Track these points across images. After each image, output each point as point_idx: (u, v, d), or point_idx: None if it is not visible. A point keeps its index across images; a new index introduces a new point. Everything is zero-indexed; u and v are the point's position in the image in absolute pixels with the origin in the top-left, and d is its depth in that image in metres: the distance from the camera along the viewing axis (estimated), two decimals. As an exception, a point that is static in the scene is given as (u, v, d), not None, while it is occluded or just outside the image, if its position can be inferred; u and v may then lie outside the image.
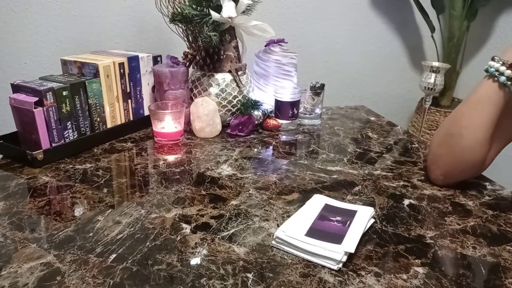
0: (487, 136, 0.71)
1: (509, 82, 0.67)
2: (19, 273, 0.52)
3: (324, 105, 1.17)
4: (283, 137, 1.02)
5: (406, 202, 0.71)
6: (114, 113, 0.98)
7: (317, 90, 1.09)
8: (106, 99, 0.95)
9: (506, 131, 0.74)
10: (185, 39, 1.07)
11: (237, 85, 1.03)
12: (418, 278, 0.52)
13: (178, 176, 0.79)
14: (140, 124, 1.04)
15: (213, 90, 1.02)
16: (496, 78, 0.68)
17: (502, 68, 0.67)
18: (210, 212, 0.66)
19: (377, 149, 0.95)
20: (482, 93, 0.70)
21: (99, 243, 0.58)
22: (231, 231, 0.62)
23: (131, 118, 1.03)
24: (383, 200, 0.72)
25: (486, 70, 0.69)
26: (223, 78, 1.02)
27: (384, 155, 0.91)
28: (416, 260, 0.56)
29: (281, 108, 1.06)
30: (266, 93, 1.14)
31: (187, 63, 1.05)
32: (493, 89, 0.69)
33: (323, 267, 0.54)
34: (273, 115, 1.08)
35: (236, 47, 1.04)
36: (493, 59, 0.69)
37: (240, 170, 0.82)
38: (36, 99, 0.81)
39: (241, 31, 1.04)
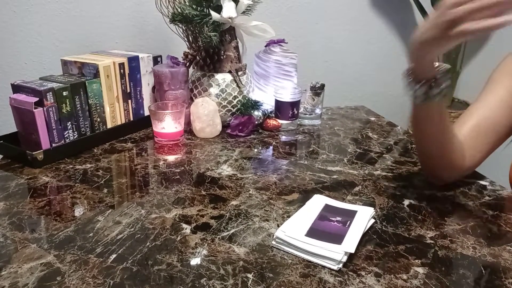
0: (449, 142, 0.69)
1: (430, 98, 0.63)
2: (19, 273, 0.52)
3: (324, 105, 1.16)
4: (283, 137, 1.02)
5: (406, 202, 0.71)
6: (114, 113, 0.98)
7: (317, 90, 1.09)
8: (106, 99, 0.95)
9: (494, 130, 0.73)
10: (185, 39, 1.07)
11: (237, 86, 1.03)
12: (418, 278, 0.52)
13: (178, 176, 0.79)
14: (140, 124, 1.04)
15: (213, 90, 1.02)
16: (417, 99, 0.65)
17: (416, 88, 0.64)
18: (210, 212, 0.67)
19: (377, 149, 0.95)
20: (416, 113, 0.69)
21: (99, 243, 0.58)
22: (231, 231, 0.62)
23: (131, 118, 1.03)
24: (383, 200, 0.72)
25: (407, 89, 0.66)
26: (223, 78, 1.02)
27: (384, 155, 0.91)
28: (416, 260, 0.56)
29: (281, 108, 1.06)
30: (266, 93, 1.14)
31: (187, 64, 1.05)
32: (422, 108, 0.67)
33: (323, 267, 0.54)
34: (273, 115, 1.08)
35: (236, 48, 1.05)
36: (405, 75, 0.65)
37: (240, 170, 0.82)
38: (36, 99, 0.81)
39: (241, 31, 1.04)
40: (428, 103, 0.65)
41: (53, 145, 0.85)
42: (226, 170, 0.82)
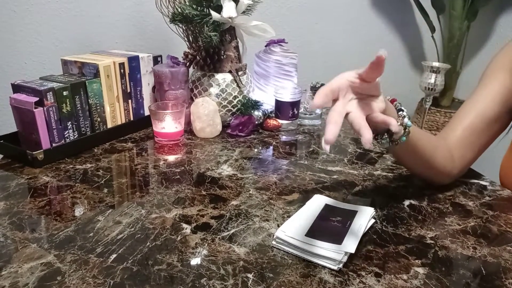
0: (432, 158, 0.68)
1: (394, 141, 0.62)
2: (19, 273, 0.52)
3: (324, 105, 1.16)
4: (283, 137, 1.02)
5: (406, 202, 0.71)
6: (115, 113, 0.98)
7: (317, 90, 1.09)
8: (106, 99, 0.95)
9: (481, 139, 0.73)
10: (186, 39, 1.07)
11: (238, 85, 1.03)
12: (419, 278, 0.52)
13: (178, 176, 0.79)
14: (140, 124, 1.04)
15: (214, 90, 1.02)
16: (383, 146, 0.63)
17: (377, 140, 0.62)
18: (211, 212, 0.67)
19: (377, 149, 0.95)
20: (390, 151, 0.72)
21: (99, 243, 0.58)
22: (232, 231, 0.62)
23: (132, 118, 1.03)
24: (383, 200, 0.72)
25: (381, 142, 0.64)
26: (223, 78, 1.02)
27: (384, 155, 0.91)
28: (417, 261, 0.56)
29: (281, 108, 1.06)
30: (267, 93, 1.14)
31: (188, 63, 1.05)
32: (393, 149, 0.66)
33: (323, 267, 0.54)
34: (273, 115, 1.08)
35: (237, 47, 1.05)
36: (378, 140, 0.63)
37: (241, 170, 0.82)
38: (36, 99, 0.81)
39: (242, 31, 1.04)
40: (396, 145, 0.62)
41: (53, 145, 0.85)
42: (226, 170, 0.82)
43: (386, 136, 0.62)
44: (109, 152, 0.90)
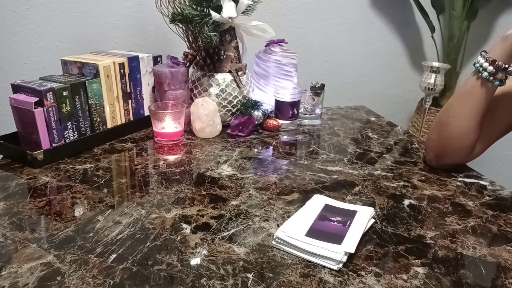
0: (473, 126, 0.75)
1: (491, 78, 0.71)
2: (19, 273, 0.52)
3: (324, 105, 1.16)
4: (283, 137, 1.02)
5: (406, 202, 0.71)
6: (114, 113, 0.98)
7: (317, 90, 1.09)
8: (106, 99, 0.95)
9: (498, 121, 0.78)
10: (185, 39, 1.07)
11: (237, 85, 1.03)
12: (418, 278, 0.52)
13: (178, 176, 0.79)
14: (140, 124, 1.04)
15: (213, 90, 1.02)
16: (480, 74, 0.72)
17: (485, 64, 0.71)
18: (210, 212, 0.67)
19: (377, 149, 0.95)
20: (468, 87, 0.75)
21: (99, 243, 0.58)
22: (231, 231, 0.62)
23: (131, 118, 1.03)
24: (383, 200, 0.72)
25: (474, 64, 0.73)
26: (223, 78, 1.02)
27: (384, 155, 0.91)
28: (416, 260, 0.56)
29: (281, 108, 1.06)
30: (266, 93, 1.14)
31: (187, 63, 1.05)
32: (477, 83, 0.73)
33: (323, 267, 0.54)
34: (273, 115, 1.08)
35: (236, 47, 1.05)
36: (481, 54, 0.73)
37: (240, 170, 0.82)
38: (36, 99, 0.81)
39: (241, 31, 1.04)
40: (488, 83, 0.72)
41: (53, 145, 0.85)
42: (226, 170, 0.82)
43: (505, 72, 0.70)
44: (109, 152, 0.90)
